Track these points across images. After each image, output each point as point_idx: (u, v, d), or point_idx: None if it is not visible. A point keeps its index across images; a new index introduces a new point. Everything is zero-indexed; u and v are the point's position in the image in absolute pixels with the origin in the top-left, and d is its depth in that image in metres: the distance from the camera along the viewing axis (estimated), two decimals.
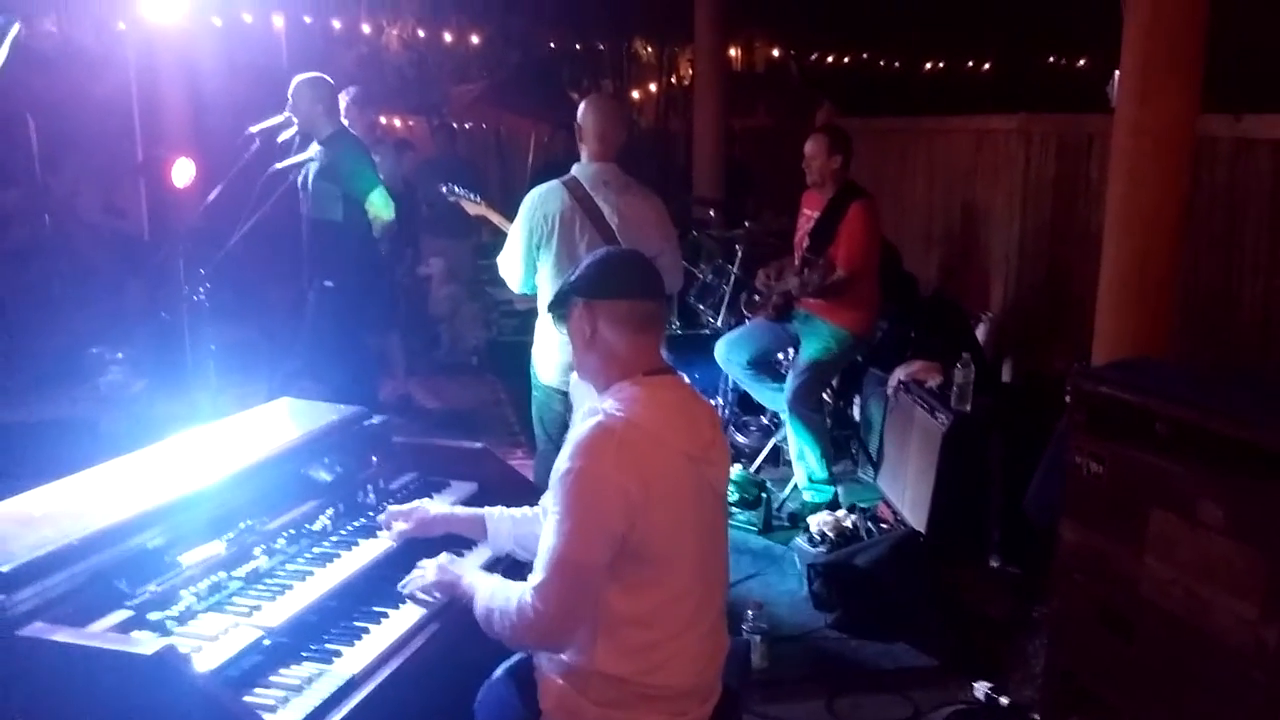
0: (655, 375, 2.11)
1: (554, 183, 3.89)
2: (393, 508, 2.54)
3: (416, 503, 2.55)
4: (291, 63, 11.04)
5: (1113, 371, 3.11)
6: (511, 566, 2.52)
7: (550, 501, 2.01)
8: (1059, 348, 5.37)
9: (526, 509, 2.51)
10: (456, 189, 4.77)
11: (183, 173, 5.98)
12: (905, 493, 4.54)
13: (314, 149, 4.87)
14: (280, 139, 5.06)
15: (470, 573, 2.22)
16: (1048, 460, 3.52)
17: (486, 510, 2.52)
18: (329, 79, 5.11)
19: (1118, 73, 3.97)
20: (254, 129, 4.91)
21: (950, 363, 4.47)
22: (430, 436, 5.75)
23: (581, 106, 3.97)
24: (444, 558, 2.31)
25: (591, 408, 2.06)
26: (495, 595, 2.07)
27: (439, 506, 2.55)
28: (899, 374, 4.75)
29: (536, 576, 1.98)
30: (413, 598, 2.24)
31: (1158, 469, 2.71)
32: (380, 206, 4.95)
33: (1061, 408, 3.81)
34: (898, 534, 4.25)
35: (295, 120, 4.95)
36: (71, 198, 8.34)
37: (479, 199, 4.74)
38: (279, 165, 4.79)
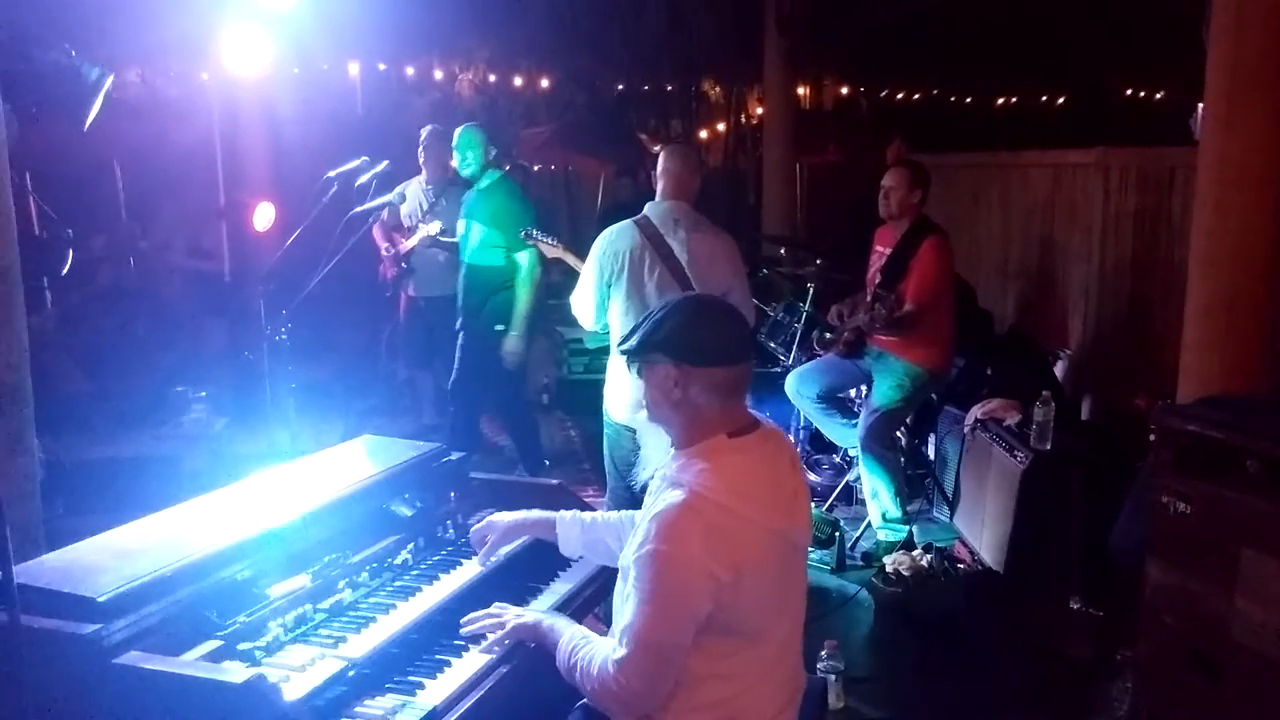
0: (740, 436, 2.04)
1: (626, 222, 3.97)
2: (475, 525, 2.57)
3: (490, 516, 2.58)
4: (366, 108, 11.37)
5: (1200, 408, 3.04)
6: (583, 606, 2.55)
7: (631, 573, 1.96)
8: (1140, 385, 5.24)
9: (597, 514, 2.53)
10: (535, 232, 4.90)
11: (263, 216, 6.18)
12: (983, 532, 4.45)
13: (394, 194, 5.04)
14: (358, 183, 5.20)
15: (550, 615, 2.22)
16: (1133, 499, 3.43)
17: (558, 514, 2.54)
18: (483, 128, 5.42)
19: (1201, 105, 3.91)
20: (332, 173, 5.06)
21: (1029, 400, 4.40)
22: (505, 473, 5.83)
23: (661, 153, 4.13)
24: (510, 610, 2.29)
25: (671, 477, 2.00)
26: (578, 649, 2.06)
27: (508, 515, 2.56)
28: (976, 412, 4.68)
29: (619, 651, 1.94)
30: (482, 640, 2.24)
31: (1249, 508, 2.63)
32: (529, 267, 5.24)
33: (1144, 446, 3.74)
34: (975, 574, 4.17)
35: (376, 165, 5.10)
36: (157, 242, 8.64)
37: (555, 241, 4.84)
38: (357, 209, 4.92)
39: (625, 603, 1.98)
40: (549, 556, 2.63)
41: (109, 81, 3.50)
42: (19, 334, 3.12)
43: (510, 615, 2.26)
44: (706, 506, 1.92)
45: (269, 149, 8.65)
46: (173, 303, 8.40)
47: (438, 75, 12.11)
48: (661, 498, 1.99)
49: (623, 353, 2.14)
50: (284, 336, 4.63)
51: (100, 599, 1.87)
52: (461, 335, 5.51)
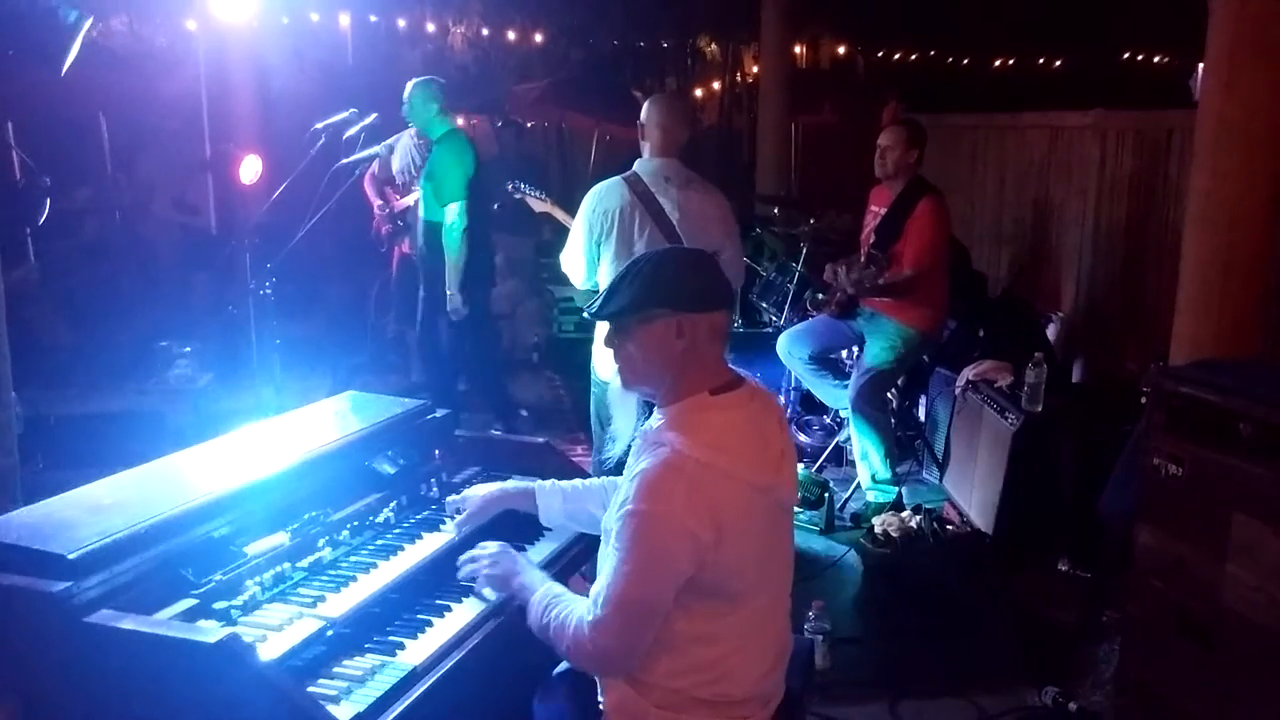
0: (723, 393, 2.00)
1: (615, 179, 3.89)
2: (451, 498, 2.53)
3: (468, 490, 2.53)
4: (357, 60, 11.19)
5: (1193, 371, 3.00)
6: (568, 565, 2.52)
7: (612, 534, 1.93)
8: (1133, 348, 5.23)
9: (578, 481, 2.48)
10: (523, 186, 4.82)
11: (250, 169, 6.07)
12: (972, 494, 4.44)
13: (380, 145, 4.94)
14: (345, 135, 5.12)
15: (527, 571, 2.18)
16: (1124, 462, 3.41)
17: (537, 485, 2.49)
18: (441, 80, 5.24)
19: (1201, 66, 3.84)
20: (319, 125, 4.97)
21: (1021, 363, 4.37)
22: (491, 431, 5.79)
23: (646, 104, 3.97)
24: (498, 546, 2.25)
25: (653, 437, 1.96)
26: (551, 607, 2.01)
27: (488, 487, 2.51)
28: (967, 373, 4.65)
29: (595, 611, 1.91)
30: (470, 584, 2.22)
31: (1241, 472, 2.61)
32: (451, 224, 5.00)
33: (1136, 409, 3.72)
34: (964, 536, 4.17)
35: (365, 117, 5.01)
36: (143, 194, 8.52)
37: (545, 196, 4.76)
38: (343, 161, 4.84)
39: (605, 563, 1.95)
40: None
41: (88, 24, 3.39)
42: None
43: (483, 562, 2.21)
44: (688, 465, 1.88)
45: (256, 100, 8.53)
46: (158, 256, 8.31)
47: (430, 28, 11.91)
48: (643, 457, 1.95)
49: (605, 316, 2.06)
50: (268, 291, 4.57)
51: (71, 556, 1.82)
52: (422, 290, 5.42)
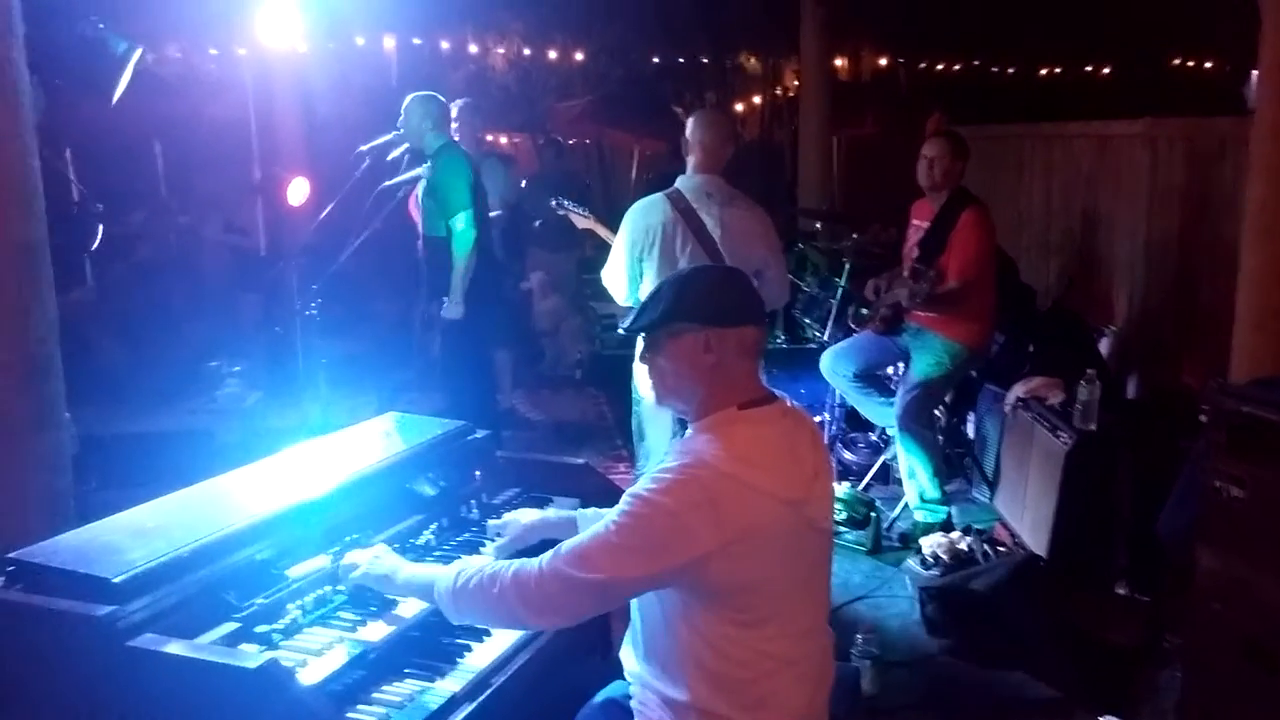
0: (755, 407, 1.99)
1: (657, 195, 3.88)
2: (491, 522, 2.53)
3: (510, 515, 2.53)
4: (401, 82, 11.32)
5: (1255, 389, 2.91)
6: None
7: (615, 508, 1.91)
8: (1189, 363, 5.09)
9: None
10: (565, 203, 4.81)
11: (297, 191, 6.17)
12: (1024, 515, 4.35)
13: (424, 167, 4.94)
14: (390, 157, 5.16)
15: (411, 564, 2.15)
16: (1183, 482, 3.31)
17: (579, 511, 2.47)
18: (440, 96, 5.20)
19: (1255, 73, 3.74)
20: (364, 147, 5.02)
21: (1073, 378, 4.28)
22: (533, 450, 5.78)
23: (690, 120, 3.96)
24: (380, 548, 2.20)
25: (680, 445, 1.98)
26: (464, 571, 1.96)
27: (531, 514, 2.50)
28: (1017, 390, 4.56)
29: (557, 558, 1.87)
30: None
31: None
32: (460, 233, 4.92)
33: (1194, 427, 3.61)
34: (1017, 557, 4.07)
35: (404, 137, 5.05)
36: (194, 217, 8.67)
37: (587, 212, 4.76)
38: (387, 183, 4.87)
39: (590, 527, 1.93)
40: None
41: (137, 54, 3.45)
42: (47, 308, 3.11)
43: (364, 557, 2.16)
44: (708, 474, 1.87)
45: (303, 123, 8.64)
46: (210, 277, 8.44)
47: (472, 49, 12.04)
48: (668, 461, 1.94)
49: (636, 330, 2.07)
50: (314, 311, 4.61)
51: (115, 580, 1.83)
52: (423, 312, 5.34)
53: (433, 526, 2.51)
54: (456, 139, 5.90)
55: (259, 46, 8.12)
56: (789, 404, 2.09)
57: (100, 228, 3.84)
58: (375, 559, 2.16)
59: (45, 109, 3.23)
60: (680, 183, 3.90)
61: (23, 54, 2.84)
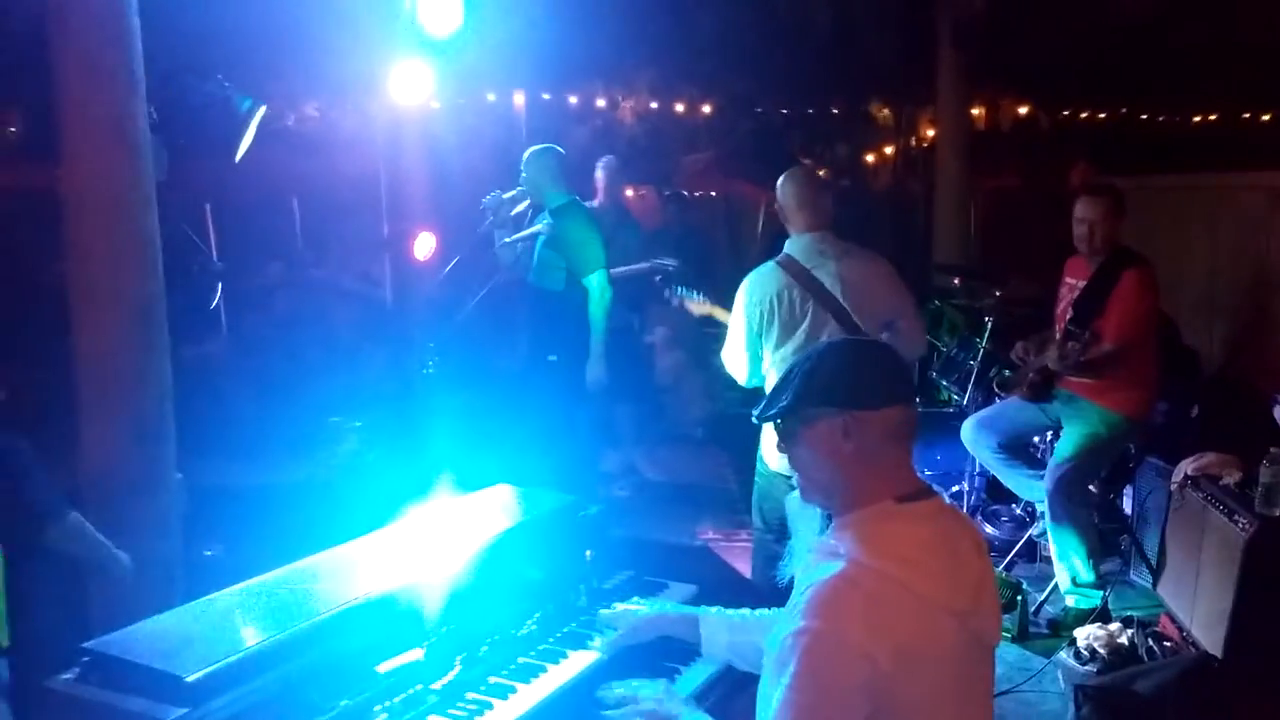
0: (911, 501, 1.75)
1: (768, 264, 3.71)
2: (603, 612, 2.32)
3: (623, 606, 2.31)
4: (530, 137, 11.46)
5: None
6: (729, 693, 2.24)
7: (773, 659, 1.67)
8: None
9: (746, 611, 2.21)
10: (680, 290, 4.66)
11: (424, 245, 6.18)
12: (1194, 607, 3.89)
13: (543, 223, 4.86)
14: (514, 212, 5.10)
15: (689, 715, 1.92)
16: None
17: (702, 612, 2.24)
18: (559, 149, 5.13)
19: None
20: (486, 199, 4.98)
21: (1246, 451, 3.84)
22: (650, 514, 5.59)
23: (780, 186, 3.77)
24: (661, 687, 2.02)
25: (828, 546, 1.73)
26: None
27: (644, 610, 2.30)
28: (1186, 466, 4.11)
29: None
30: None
31: None
32: (597, 293, 4.83)
33: None
34: (1187, 657, 3.64)
35: (525, 191, 4.98)
36: (330, 270, 8.86)
37: (703, 298, 4.60)
38: (507, 239, 4.80)
39: (771, 695, 1.68)
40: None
41: (261, 113, 3.45)
42: (162, 370, 3.08)
43: (648, 696, 1.98)
44: (867, 577, 1.63)
45: (432, 178, 8.76)
46: (340, 330, 8.58)
47: (600, 103, 12.11)
48: (815, 570, 1.70)
49: (766, 418, 1.86)
50: (431, 369, 4.54)
51: (189, 679, 1.69)
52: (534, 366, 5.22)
53: (537, 615, 2.31)
54: (601, 195, 5.84)
55: (392, 104, 8.29)
56: (946, 501, 1.85)
57: (220, 286, 3.85)
58: (658, 701, 1.97)
59: (171, 167, 3.21)
60: (789, 246, 3.72)
61: (145, 112, 2.83)
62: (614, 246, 5.59)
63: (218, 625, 1.90)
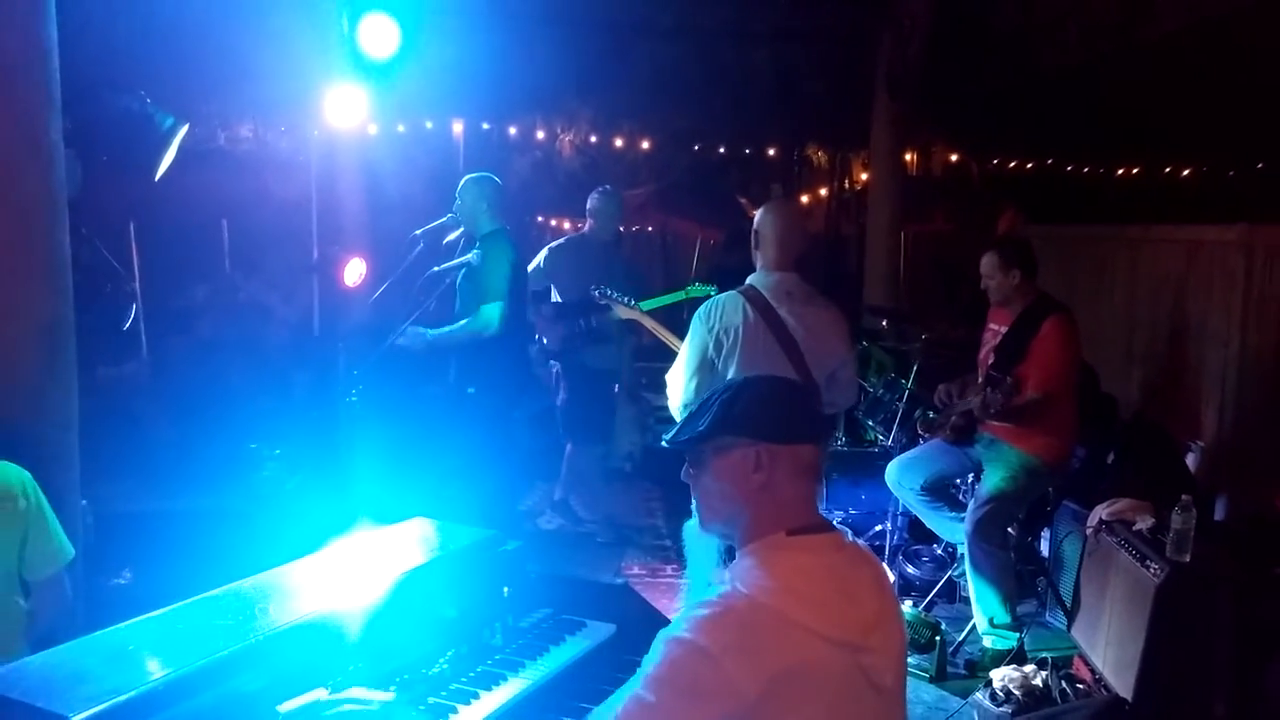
0: (803, 534, 1.76)
1: (732, 294, 3.67)
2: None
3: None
4: (467, 166, 11.40)
5: None
6: None
7: (647, 656, 1.66)
8: None
9: None
10: (609, 291, 4.61)
11: (353, 272, 6.07)
12: (1106, 650, 3.95)
13: (472, 254, 4.81)
14: (445, 241, 5.05)
15: None
16: None
17: None
18: (496, 179, 5.09)
19: None
20: (419, 231, 4.92)
21: (1159, 497, 3.93)
22: (577, 547, 5.53)
23: (760, 212, 3.76)
24: None
25: (719, 575, 1.76)
26: None
27: None
28: (1101, 511, 4.19)
29: None
30: None
31: None
32: (483, 321, 4.74)
33: None
34: (1099, 700, 3.69)
35: (459, 220, 4.93)
36: (256, 293, 8.68)
37: (633, 302, 4.57)
38: (437, 268, 4.75)
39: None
40: (605, 666, 2.31)
41: (183, 131, 3.36)
42: (67, 393, 2.96)
43: None
44: (745, 605, 1.64)
45: (366, 205, 8.66)
46: (265, 355, 8.40)
47: (540, 135, 12.10)
48: (709, 592, 1.71)
49: (679, 444, 1.84)
50: (354, 398, 4.45)
51: (74, 718, 1.60)
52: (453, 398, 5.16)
53: (450, 653, 2.25)
54: (591, 225, 5.84)
55: (328, 127, 8.19)
56: (849, 539, 1.86)
57: (135, 306, 3.73)
58: None
59: (90, 184, 3.11)
60: (755, 279, 3.69)
61: (59, 125, 2.74)
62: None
63: (112, 661, 1.82)
